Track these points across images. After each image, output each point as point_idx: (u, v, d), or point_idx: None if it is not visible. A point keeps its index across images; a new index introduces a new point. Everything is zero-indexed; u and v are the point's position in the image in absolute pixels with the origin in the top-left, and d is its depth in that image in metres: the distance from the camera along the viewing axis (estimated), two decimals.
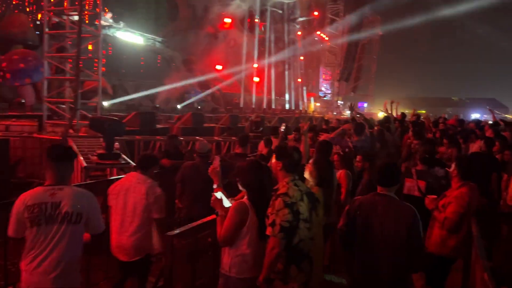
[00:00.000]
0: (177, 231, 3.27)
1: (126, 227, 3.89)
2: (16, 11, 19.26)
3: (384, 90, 64.24)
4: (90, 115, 10.59)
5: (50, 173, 2.95)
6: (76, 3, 9.86)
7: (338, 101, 50.36)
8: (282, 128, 6.97)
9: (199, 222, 3.52)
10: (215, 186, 3.25)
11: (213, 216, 3.72)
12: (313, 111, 41.19)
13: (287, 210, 2.82)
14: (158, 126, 13.57)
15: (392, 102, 11.68)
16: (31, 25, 18.74)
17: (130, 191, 3.96)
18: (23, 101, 14.85)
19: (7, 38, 17.99)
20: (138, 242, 3.84)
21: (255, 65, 34.26)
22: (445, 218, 4.29)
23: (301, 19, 40.24)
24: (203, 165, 4.92)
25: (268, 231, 2.82)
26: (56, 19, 12.88)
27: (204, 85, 30.51)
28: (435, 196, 4.51)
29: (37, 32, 18.39)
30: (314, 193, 3.14)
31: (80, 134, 10.26)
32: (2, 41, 17.99)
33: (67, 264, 2.88)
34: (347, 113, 46.27)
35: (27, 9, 19.97)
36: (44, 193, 2.89)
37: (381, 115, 13.60)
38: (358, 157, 5.38)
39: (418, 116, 11.80)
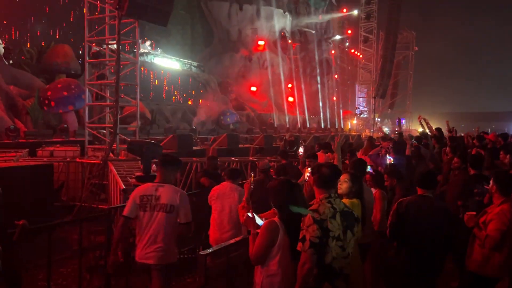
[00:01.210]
0: (210, 250, 3.30)
1: (224, 225, 5.05)
2: (60, 43, 20.33)
3: (423, 105, 62.83)
4: (128, 139, 10.91)
5: (158, 174, 4.06)
6: (116, 32, 10.29)
7: (376, 118, 49.67)
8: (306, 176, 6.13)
9: (231, 241, 3.54)
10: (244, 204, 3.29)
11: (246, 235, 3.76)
12: (350, 129, 40.74)
13: (316, 226, 2.84)
14: (195, 148, 13.81)
15: (422, 119, 11.44)
16: (73, 55, 19.68)
17: (225, 196, 5.15)
18: (66, 127, 15.51)
19: (52, 68, 18.99)
20: (233, 237, 4.51)
21: (289, 85, 34.42)
22: (486, 236, 4.12)
23: (334, 38, 40.25)
24: (266, 180, 5.70)
25: (299, 246, 2.85)
26: (96, 49, 13.49)
27: (239, 107, 30.90)
28: (474, 213, 4.36)
29: (79, 61, 19.33)
30: (352, 212, 3.09)
31: (120, 157, 10.57)
32: (47, 71, 19.00)
33: (164, 241, 3.86)
34: (385, 130, 45.49)
35: (71, 40, 21.02)
36: (151, 188, 3.97)
37: (421, 130, 13.30)
38: (385, 176, 5.31)
39: (453, 128, 11.46)
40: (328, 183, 3.04)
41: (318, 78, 36.77)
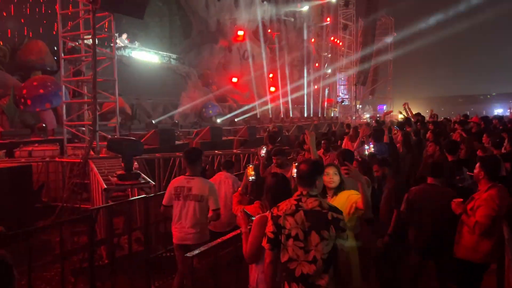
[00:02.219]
0: (196, 251, 3.19)
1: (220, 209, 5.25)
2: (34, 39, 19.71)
3: (403, 91, 63.44)
4: (109, 136, 10.68)
5: (188, 169, 4.79)
6: (91, 27, 9.98)
7: (357, 105, 49.95)
8: (262, 152, 6.56)
9: (219, 240, 3.44)
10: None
11: (235, 233, 3.66)
12: (332, 117, 40.89)
13: (271, 222, 2.79)
14: (178, 142, 13.61)
15: (407, 106, 11.47)
16: (49, 51, 19.12)
17: (221, 183, 5.69)
18: (44, 126, 15.10)
19: (26, 66, 18.44)
20: (229, 217, 5.28)
21: (270, 75, 34.28)
22: (476, 222, 4.10)
23: (314, 26, 40.17)
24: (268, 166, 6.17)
25: (262, 242, 2.83)
26: (72, 44, 13.12)
27: (221, 99, 30.65)
28: (461, 200, 4.33)
29: (54, 58, 18.80)
30: (324, 214, 2.74)
31: (101, 155, 10.33)
32: (22, 69, 18.44)
33: (198, 226, 4.65)
34: (366, 116, 45.77)
35: (45, 36, 20.43)
36: (184, 180, 4.73)
37: (401, 117, 13.36)
38: (375, 166, 5.25)
39: (436, 116, 11.54)
40: (304, 180, 2.87)
41: (301, 67, 36.72)
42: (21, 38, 20.28)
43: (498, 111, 48.23)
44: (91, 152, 10.19)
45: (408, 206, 4.60)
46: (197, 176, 4.74)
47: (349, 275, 2.88)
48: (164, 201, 4.79)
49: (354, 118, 39.63)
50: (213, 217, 4.67)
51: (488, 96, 73.21)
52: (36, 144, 12.19)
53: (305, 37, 37.67)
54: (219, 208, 4.70)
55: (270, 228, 2.77)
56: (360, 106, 51.92)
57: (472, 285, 4.33)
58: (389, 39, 52.99)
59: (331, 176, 3.65)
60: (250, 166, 4.40)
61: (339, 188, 3.67)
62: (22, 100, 15.87)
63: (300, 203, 2.79)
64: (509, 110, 44.54)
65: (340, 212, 2.83)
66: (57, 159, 10.51)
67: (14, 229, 4.91)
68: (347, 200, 3.51)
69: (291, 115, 33.39)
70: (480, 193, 4.26)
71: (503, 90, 73.60)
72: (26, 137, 13.67)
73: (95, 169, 8.26)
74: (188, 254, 3.12)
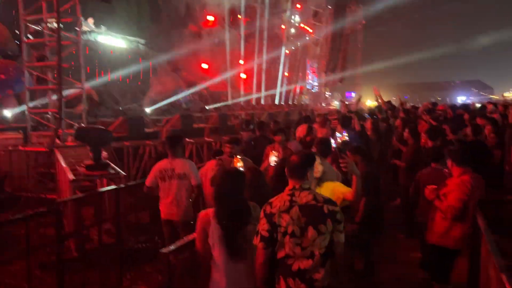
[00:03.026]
0: (172, 247, 3.09)
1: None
2: None
3: (371, 78, 64.26)
4: (76, 125, 10.32)
5: (170, 152, 5.29)
6: (55, 10, 9.54)
7: (326, 93, 50.35)
8: (272, 160, 5.10)
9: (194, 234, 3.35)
10: None
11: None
12: (302, 104, 41.08)
13: (265, 220, 2.68)
14: (147, 130, 13.32)
15: (378, 94, 11.61)
16: (10, 35, 18.28)
17: (208, 172, 5.65)
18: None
19: None
20: None
21: (241, 61, 34.02)
22: (448, 206, 4.17)
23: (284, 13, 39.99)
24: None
25: (254, 240, 2.71)
26: (34, 27, 12.53)
27: (191, 85, 30.19)
28: (435, 186, 4.40)
29: (16, 42, 17.96)
30: (320, 208, 2.68)
31: (67, 143, 9.99)
32: None
33: (182, 202, 5.20)
34: (335, 103, 46.26)
35: (6, 18, 19.48)
36: (167, 162, 5.28)
37: (369, 104, 13.51)
38: (348, 153, 5.25)
39: (405, 103, 11.77)
40: (296, 173, 2.78)
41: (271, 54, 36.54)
42: None
43: (462, 98, 49.69)
44: (57, 141, 9.85)
45: (416, 187, 5.13)
46: (178, 158, 5.30)
47: (344, 266, 2.86)
48: (147, 182, 5.30)
49: (323, 104, 39.92)
50: (197, 193, 5.28)
51: (452, 84, 75.22)
52: None
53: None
54: (200, 184, 5.25)
55: (264, 226, 2.67)
56: (330, 93, 52.38)
57: (444, 270, 4.42)
58: (358, 27, 53.43)
59: (316, 166, 3.59)
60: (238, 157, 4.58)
61: (322, 178, 3.63)
62: None
63: (293, 198, 2.70)
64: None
65: (335, 204, 2.76)
66: (20, 147, 10.10)
67: None
68: (333, 192, 3.47)
69: (262, 103, 33.32)
70: (453, 179, 4.34)
71: (465, 77, 75.99)
72: None
73: (61, 159, 7.98)
74: (164, 250, 3.02)
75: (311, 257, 2.66)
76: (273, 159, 4.78)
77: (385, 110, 10.58)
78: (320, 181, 3.62)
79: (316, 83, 52.34)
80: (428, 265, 4.68)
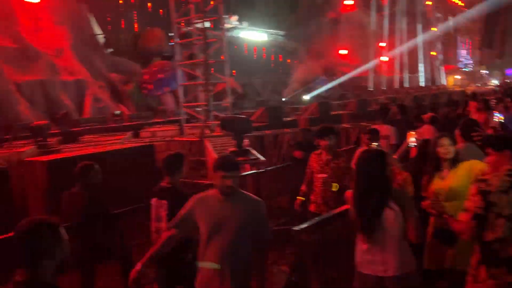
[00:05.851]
0: (304, 225, 3.18)
1: None
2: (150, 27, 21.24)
3: None
4: (221, 115, 11.12)
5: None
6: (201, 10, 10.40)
7: (482, 71, 45.38)
8: (411, 141, 4.87)
9: (326, 215, 3.39)
10: None
11: (343, 208, 3.55)
12: (453, 85, 37.72)
13: (481, 196, 2.47)
14: (286, 119, 13.71)
15: None
16: (165, 38, 20.52)
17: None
18: (164, 108, 16.34)
19: (146, 53, 20.03)
20: None
21: (383, 44, 32.62)
22: None
23: None
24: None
25: (462, 216, 2.55)
26: (185, 29, 13.81)
27: (329, 72, 30.06)
28: None
29: (170, 43, 20.10)
30: None
31: (215, 134, 10.83)
32: (142, 56, 20.10)
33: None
34: (493, 82, 41.40)
35: (162, 23, 21.85)
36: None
37: None
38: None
39: None
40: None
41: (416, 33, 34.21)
42: (141, 27, 22.00)
43: None
44: (207, 131, 10.73)
45: None
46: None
47: None
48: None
49: (478, 84, 36.04)
50: None
51: None
52: (159, 125, 13.23)
53: None
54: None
55: (478, 203, 2.49)
56: (487, 71, 47.06)
57: None
58: None
59: (447, 147, 3.32)
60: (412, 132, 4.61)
61: (456, 159, 3.33)
62: (145, 85, 17.33)
63: None
64: None
65: None
66: (176, 138, 11.27)
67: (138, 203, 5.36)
68: (470, 171, 3.17)
69: (406, 85, 31.54)
70: None
71: None
72: (149, 119, 14.92)
73: (210, 147, 8.69)
74: (295, 228, 3.12)
75: None
76: (412, 139, 4.59)
77: None
78: (455, 162, 3.32)
79: (470, 61, 47.53)
80: None
